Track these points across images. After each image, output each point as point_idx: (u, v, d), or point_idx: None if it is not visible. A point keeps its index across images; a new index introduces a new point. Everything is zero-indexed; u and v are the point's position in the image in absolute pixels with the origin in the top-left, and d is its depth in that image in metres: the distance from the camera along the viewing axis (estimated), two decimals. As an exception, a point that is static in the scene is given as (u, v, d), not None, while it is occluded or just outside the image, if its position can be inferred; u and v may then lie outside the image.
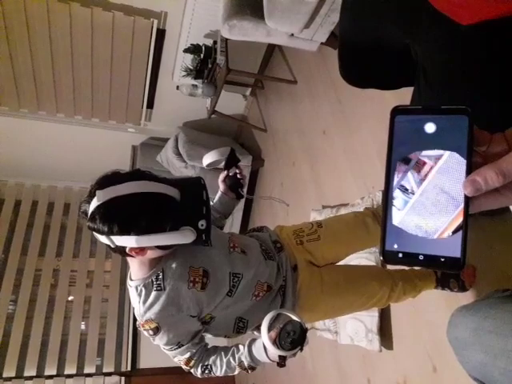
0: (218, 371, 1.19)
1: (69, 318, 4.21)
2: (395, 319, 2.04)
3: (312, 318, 1.47)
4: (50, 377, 3.92)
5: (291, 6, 2.35)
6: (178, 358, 1.22)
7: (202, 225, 1.03)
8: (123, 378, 4.12)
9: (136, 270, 1.17)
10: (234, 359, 1.17)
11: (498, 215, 1.50)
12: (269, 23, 2.50)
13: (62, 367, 3.99)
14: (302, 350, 1.05)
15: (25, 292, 4.13)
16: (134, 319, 4.52)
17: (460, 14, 0.61)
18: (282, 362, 1.08)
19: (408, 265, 0.41)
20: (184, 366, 1.22)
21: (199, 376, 1.21)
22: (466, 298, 1.63)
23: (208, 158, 1.37)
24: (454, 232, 0.39)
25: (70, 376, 3.98)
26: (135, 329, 4.35)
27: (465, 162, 0.39)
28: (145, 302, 1.12)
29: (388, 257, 0.41)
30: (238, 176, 1.41)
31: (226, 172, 1.41)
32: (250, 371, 1.18)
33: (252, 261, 1.28)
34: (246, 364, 1.16)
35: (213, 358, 1.21)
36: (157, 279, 1.12)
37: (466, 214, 0.39)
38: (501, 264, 1.52)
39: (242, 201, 3.98)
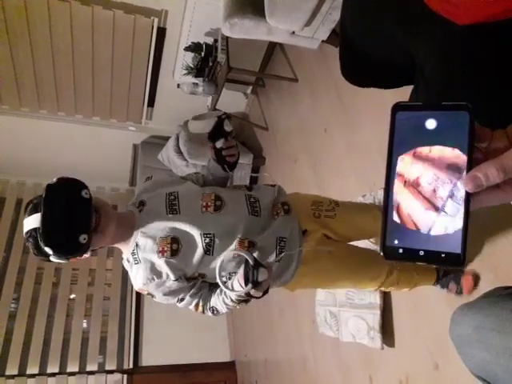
0: (222, 310, 1.25)
1: (71, 316, 4.24)
2: (397, 317, 2.04)
3: (310, 284, 1.49)
4: (53, 374, 3.95)
5: (292, 4, 2.34)
6: (188, 307, 1.29)
7: (48, 252, 1.05)
8: (125, 376, 4.14)
9: (120, 248, 1.26)
10: (227, 297, 1.20)
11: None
12: (270, 21, 2.49)
13: (65, 365, 4.02)
14: (258, 285, 1.04)
15: (27, 290, 4.15)
16: (136, 317, 4.55)
17: (456, 13, 0.61)
18: (252, 297, 1.10)
19: (408, 260, 0.41)
20: (196, 312, 1.29)
21: (211, 316, 1.29)
22: (468, 296, 1.63)
23: (193, 125, 1.29)
24: (455, 228, 0.39)
25: (72, 374, 4.00)
26: (137, 326, 4.37)
27: (466, 158, 0.39)
28: (131, 274, 1.23)
29: (388, 252, 0.41)
30: (224, 153, 1.29)
31: (211, 144, 1.30)
32: (246, 303, 1.20)
33: (226, 218, 1.24)
34: (235, 298, 1.17)
35: (213, 299, 1.26)
36: (133, 253, 1.21)
37: (467, 210, 0.39)
38: (502, 261, 1.52)
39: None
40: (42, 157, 4.49)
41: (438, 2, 0.62)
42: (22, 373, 3.86)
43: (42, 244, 1.03)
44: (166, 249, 1.18)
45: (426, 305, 1.83)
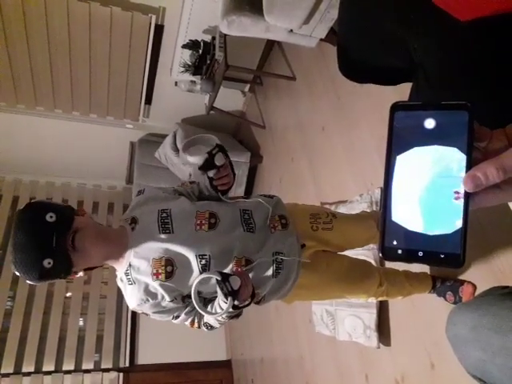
0: (216, 325, 1.25)
1: (67, 314, 4.22)
2: (393, 316, 2.04)
3: (307, 297, 1.50)
4: (49, 373, 3.93)
5: (290, 2, 2.34)
6: (184, 323, 1.28)
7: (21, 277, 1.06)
8: (121, 374, 4.13)
9: (114, 266, 1.23)
10: (217, 315, 1.19)
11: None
12: (268, 19, 2.48)
13: (61, 363, 4.00)
14: (236, 293, 1.05)
15: (23, 288, 4.12)
16: (132, 315, 4.53)
17: (459, 9, 0.60)
18: (240, 307, 1.09)
19: (407, 261, 0.41)
20: (192, 327, 1.29)
21: (206, 331, 1.29)
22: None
23: (184, 158, 1.26)
24: (454, 228, 0.38)
25: (68, 372, 3.98)
26: (133, 325, 4.36)
27: (465, 157, 0.39)
28: (126, 294, 1.21)
29: (387, 253, 0.41)
30: (214, 183, 1.27)
31: (203, 172, 1.27)
32: (237, 317, 1.21)
33: (221, 237, 1.22)
34: (225, 316, 1.16)
35: (206, 315, 1.24)
36: (127, 274, 1.18)
37: (466, 210, 0.38)
38: (499, 261, 1.52)
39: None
40: (38, 154, 4.47)
41: None
42: (17, 371, 3.84)
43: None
44: (160, 271, 1.16)
45: (422, 304, 1.83)
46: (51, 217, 1.07)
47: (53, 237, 1.05)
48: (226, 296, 1.04)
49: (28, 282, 1.08)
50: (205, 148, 1.25)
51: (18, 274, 1.05)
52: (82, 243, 1.10)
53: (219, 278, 1.05)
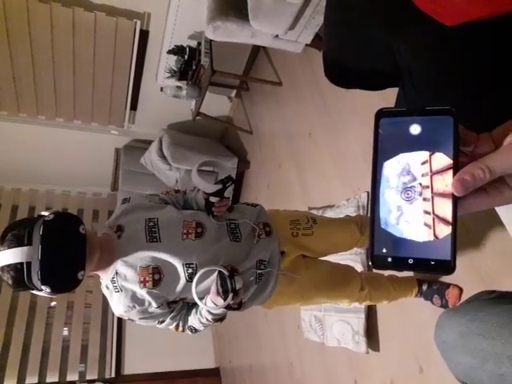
0: (200, 328, 1.29)
1: (51, 324, 4.12)
2: (382, 321, 2.04)
3: (287, 302, 1.50)
4: (32, 385, 3.83)
5: (276, 8, 2.34)
6: (168, 328, 1.31)
7: (45, 290, 1.06)
8: (107, 385, 4.05)
9: (99, 274, 1.25)
10: (202, 317, 1.23)
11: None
12: (253, 24, 2.49)
13: (44, 375, 3.90)
14: (236, 293, 1.10)
15: (5, 298, 4.02)
16: (118, 324, 4.45)
17: (444, 14, 0.60)
18: (231, 308, 1.14)
19: (398, 269, 0.40)
20: (176, 331, 1.32)
21: (191, 334, 1.33)
22: (452, 299, 1.64)
23: (197, 179, 1.25)
24: (443, 234, 0.38)
25: (52, 384, 3.89)
26: (119, 334, 4.29)
27: (451, 162, 0.38)
28: (111, 300, 1.22)
29: (377, 261, 0.40)
30: (213, 208, 1.29)
31: (204, 194, 1.29)
32: (220, 322, 1.26)
33: (208, 246, 1.24)
34: (210, 318, 1.21)
35: (190, 319, 1.28)
36: (113, 281, 1.19)
37: (455, 215, 0.38)
38: (485, 264, 1.53)
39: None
40: (20, 161, 4.38)
41: (426, 2, 0.61)
42: (-1, 384, 3.75)
43: (37, 282, 1.02)
44: (147, 279, 1.17)
45: (410, 308, 1.84)
46: (83, 229, 1.11)
47: (85, 249, 1.10)
48: (226, 292, 1.08)
49: (48, 294, 1.07)
50: (213, 173, 1.29)
51: (45, 287, 1.03)
52: (90, 256, 1.13)
53: (227, 274, 1.09)
